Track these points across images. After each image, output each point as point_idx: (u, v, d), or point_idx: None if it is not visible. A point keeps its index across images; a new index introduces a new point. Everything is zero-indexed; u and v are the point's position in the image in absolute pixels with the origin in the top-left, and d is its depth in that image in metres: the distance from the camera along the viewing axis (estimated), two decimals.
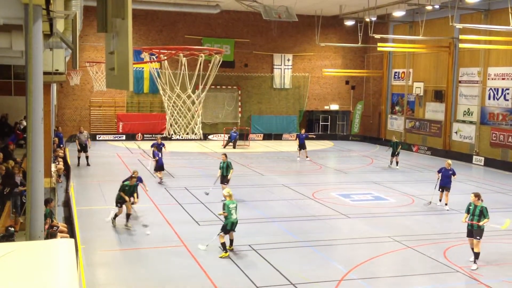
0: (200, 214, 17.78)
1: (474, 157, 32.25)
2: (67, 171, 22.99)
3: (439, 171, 19.86)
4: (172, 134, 13.91)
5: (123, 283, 11.87)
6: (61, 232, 12.43)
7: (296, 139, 32.72)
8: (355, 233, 16.29)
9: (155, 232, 15.65)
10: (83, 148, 26.59)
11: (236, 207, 13.88)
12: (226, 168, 19.69)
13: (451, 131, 35.14)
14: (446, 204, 19.50)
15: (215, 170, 25.52)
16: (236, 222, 13.81)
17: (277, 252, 14.07)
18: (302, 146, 31.41)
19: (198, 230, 16.00)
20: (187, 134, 13.09)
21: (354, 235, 16.03)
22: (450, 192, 19.85)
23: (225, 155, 20.39)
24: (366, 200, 21.06)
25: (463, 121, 34.23)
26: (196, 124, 13.18)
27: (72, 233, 13.60)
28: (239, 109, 42.10)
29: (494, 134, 31.58)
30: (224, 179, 19.69)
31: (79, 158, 26.81)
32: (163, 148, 25.65)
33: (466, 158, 32.65)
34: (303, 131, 33.30)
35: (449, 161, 20.61)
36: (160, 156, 24.15)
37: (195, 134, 13.22)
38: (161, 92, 14.45)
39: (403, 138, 39.22)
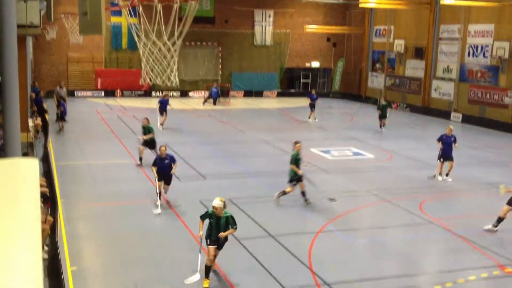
0: (181, 170, 17.82)
1: (452, 114, 32.64)
2: (45, 127, 22.75)
3: (439, 139, 17.65)
4: (148, 82, 13.76)
5: (104, 235, 11.97)
6: (41, 186, 12.39)
7: (307, 99, 30.92)
8: (334, 187, 16.53)
9: (136, 188, 15.71)
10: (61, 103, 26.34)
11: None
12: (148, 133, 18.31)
13: (430, 88, 35.39)
14: (447, 175, 17.32)
15: (197, 127, 25.54)
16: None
17: (257, 206, 14.25)
18: (312, 106, 30.02)
19: (179, 185, 16.07)
20: (163, 82, 12.95)
21: (333, 190, 16.27)
22: (427, 149, 20.04)
23: (147, 119, 18.68)
24: (345, 156, 21.30)
25: (443, 78, 34.45)
26: (172, 72, 13.04)
27: (51, 188, 13.60)
28: (220, 66, 41.73)
29: (472, 91, 31.90)
30: (149, 144, 18.38)
31: (57, 114, 26.49)
32: (168, 105, 26.11)
33: (444, 115, 33.04)
34: (313, 91, 31.90)
35: (451, 126, 18.26)
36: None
37: (171, 82, 13.08)
38: (136, 39, 14.22)
39: (383, 95, 39.39)
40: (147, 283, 9.51)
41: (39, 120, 22.06)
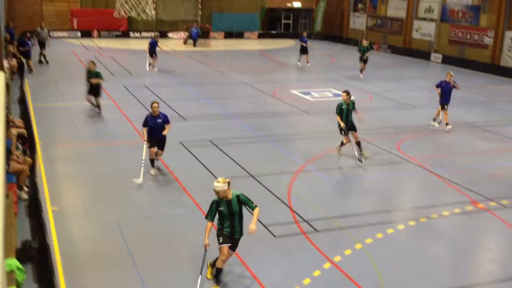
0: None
1: (433, 54, 32.64)
2: (20, 69, 22.26)
3: (438, 86, 16.84)
4: (123, 15, 13.41)
5: (83, 175, 11.98)
6: (18, 127, 12.27)
7: (299, 41, 28.99)
8: (313, 128, 16.64)
9: (115, 129, 15.62)
10: (43, 45, 25.71)
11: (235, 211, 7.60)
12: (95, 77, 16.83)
13: (411, 29, 35.16)
14: (447, 124, 16.58)
15: (177, 68, 25.21)
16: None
17: (237, 147, 14.32)
18: (304, 50, 28.60)
19: None
20: (138, 15, 12.64)
21: (312, 131, 16.38)
22: (407, 89, 20.11)
23: (93, 62, 17.15)
24: (325, 97, 21.31)
25: (424, 19, 34.20)
26: (148, 4, 12.71)
27: (29, 129, 13.46)
28: (199, 6, 40.76)
29: (453, 32, 31.79)
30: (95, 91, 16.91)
31: (40, 55, 25.90)
32: (157, 46, 25.29)
33: (424, 55, 33.03)
34: (305, 33, 29.78)
35: (451, 72, 17.16)
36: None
37: (147, 14, 12.77)
38: None
39: (365, 36, 39.07)
40: (127, 222, 9.62)
41: (14, 62, 21.55)
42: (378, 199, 11.38)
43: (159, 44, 25.49)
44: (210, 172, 12.20)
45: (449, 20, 32.14)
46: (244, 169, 12.50)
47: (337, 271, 8.20)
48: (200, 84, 22.85)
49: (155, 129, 11.66)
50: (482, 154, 14.64)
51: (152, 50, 25.05)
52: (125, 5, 13.42)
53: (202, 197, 10.52)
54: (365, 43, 25.77)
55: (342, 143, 13.61)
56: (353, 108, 13.50)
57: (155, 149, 11.82)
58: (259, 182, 11.71)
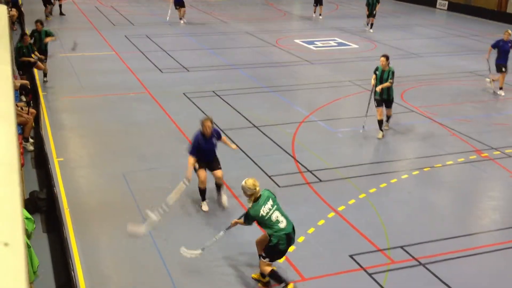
0: (162, 62, 17.60)
1: (438, 1, 31.97)
2: (20, 18, 21.95)
3: (494, 46, 15.09)
4: None
5: (88, 126, 12.01)
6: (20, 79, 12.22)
7: None
8: (317, 78, 16.51)
9: (117, 80, 15.54)
10: None
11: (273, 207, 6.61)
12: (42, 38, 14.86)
13: None
14: (501, 88, 15.11)
15: (177, 17, 24.80)
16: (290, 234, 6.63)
17: (241, 98, 14.27)
18: (318, 1, 26.71)
19: (162, 78, 15.95)
20: None
21: (316, 80, 16.26)
22: (412, 37, 19.76)
23: (41, 22, 15.09)
24: (329, 46, 21.06)
25: None
26: None
27: (31, 80, 13.41)
28: None
29: None
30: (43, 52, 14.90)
31: (45, 5, 25.22)
32: None
33: (430, 2, 32.38)
34: None
35: (509, 30, 15.15)
36: None
37: None
38: None
39: None
40: (133, 173, 9.71)
41: (14, 11, 21.22)
42: (381, 149, 11.42)
43: None
44: (214, 123, 12.17)
45: None
46: (247, 119, 12.50)
47: (341, 220, 8.33)
48: (202, 34, 22.55)
49: (208, 152, 8.46)
50: (488, 102, 14.57)
51: (177, 1, 24.12)
52: None
53: None
54: None
55: (380, 123, 11.69)
56: (390, 77, 11.41)
57: (204, 172, 8.44)
58: (263, 133, 11.73)
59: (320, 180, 9.63)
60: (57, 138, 11.10)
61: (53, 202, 8.10)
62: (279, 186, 9.36)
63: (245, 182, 6.49)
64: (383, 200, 8.98)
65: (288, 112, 13.34)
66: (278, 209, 6.55)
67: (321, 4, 26.88)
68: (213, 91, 14.60)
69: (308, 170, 9.99)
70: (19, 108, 10.43)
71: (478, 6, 29.47)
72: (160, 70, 16.71)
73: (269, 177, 9.63)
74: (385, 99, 11.66)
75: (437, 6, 31.89)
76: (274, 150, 10.89)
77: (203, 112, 12.90)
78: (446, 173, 10.28)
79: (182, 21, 24.32)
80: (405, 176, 9.95)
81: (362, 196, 9.08)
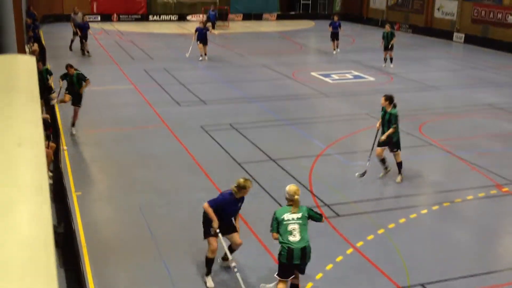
0: (180, 95, 17.78)
1: (455, 34, 32.05)
2: (42, 53, 22.42)
3: None
4: None
5: (106, 159, 12.11)
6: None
7: (329, 27, 26.75)
8: (334, 111, 16.53)
9: (136, 113, 15.70)
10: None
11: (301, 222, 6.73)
12: (77, 82, 13.74)
13: (433, 8, 34.54)
14: None
15: (196, 51, 25.14)
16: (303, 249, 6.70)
17: (258, 130, 14.31)
18: (335, 36, 26.57)
19: (179, 111, 16.09)
20: None
21: (333, 113, 16.28)
22: (429, 70, 19.81)
23: (71, 66, 13.80)
24: (345, 79, 21.13)
25: None
26: None
27: (52, 114, 13.60)
28: None
29: (476, 10, 31.15)
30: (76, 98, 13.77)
31: (72, 41, 25.63)
32: (208, 32, 23.89)
33: (447, 35, 32.45)
34: (336, 17, 27.18)
35: None
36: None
37: None
38: None
39: (385, 16, 38.52)
40: (150, 206, 9.72)
41: (36, 46, 21.71)
42: (400, 183, 11.30)
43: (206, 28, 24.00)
44: (231, 156, 12.23)
45: None
46: (264, 152, 12.50)
47: (360, 256, 8.20)
48: (219, 67, 22.81)
49: (230, 216, 7.58)
50: (507, 136, 14.41)
51: (202, 37, 23.46)
52: None
53: (223, 181, 10.56)
54: (388, 28, 23.10)
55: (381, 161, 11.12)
56: (392, 120, 10.90)
57: (217, 242, 7.38)
58: (280, 166, 11.71)
59: (338, 215, 9.53)
60: (76, 172, 11.19)
61: (71, 237, 8.11)
62: None
63: (289, 187, 6.85)
64: (402, 236, 8.84)
65: (305, 145, 13.32)
66: (301, 226, 6.59)
67: (337, 39, 26.76)
68: (230, 124, 14.67)
69: (326, 204, 9.91)
70: None
71: (495, 38, 29.46)
72: (177, 103, 16.87)
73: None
74: (386, 141, 10.91)
75: (454, 39, 31.95)
76: (291, 183, 10.82)
77: (220, 145, 12.94)
78: (467, 208, 10.12)
79: (202, 58, 23.80)
80: (425, 211, 9.81)
81: (381, 231, 8.95)
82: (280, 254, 6.61)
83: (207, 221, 7.33)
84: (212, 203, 7.33)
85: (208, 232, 7.35)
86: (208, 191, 10.43)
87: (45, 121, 12.24)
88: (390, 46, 22.79)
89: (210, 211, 7.22)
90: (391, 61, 23.06)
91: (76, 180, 10.78)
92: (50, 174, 10.76)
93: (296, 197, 6.69)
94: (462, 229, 9.32)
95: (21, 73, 1.73)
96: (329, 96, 18.26)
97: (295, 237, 6.52)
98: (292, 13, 42.64)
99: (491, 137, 14.25)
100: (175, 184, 10.82)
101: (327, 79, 20.85)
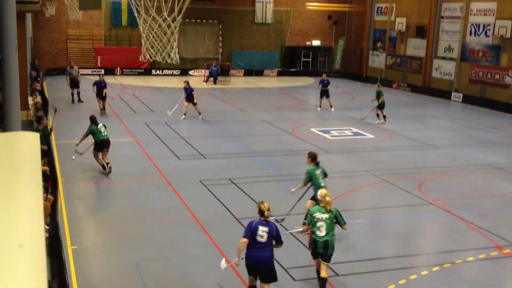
0: (180, 149, 17.86)
1: (453, 93, 32.52)
2: (45, 105, 22.68)
3: None
4: (148, 59, 13.48)
5: (104, 214, 12.03)
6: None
7: (319, 85, 27.00)
8: (333, 167, 16.51)
9: (135, 166, 15.72)
10: (75, 84, 25.78)
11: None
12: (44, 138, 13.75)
13: (431, 68, 35.21)
14: None
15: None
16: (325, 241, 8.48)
17: (257, 186, 14.28)
18: (324, 93, 26.58)
19: (179, 165, 16.12)
20: (163, 59, 12.79)
21: (332, 170, 16.24)
22: (427, 129, 20.02)
23: (41, 119, 14.51)
24: (345, 135, 21.28)
25: (444, 58, 34.25)
26: (172, 48, 12.87)
27: (51, 166, 13.61)
28: (220, 44, 41.45)
29: (473, 71, 31.74)
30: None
31: (72, 94, 26.22)
32: (193, 94, 23.14)
33: (445, 95, 32.93)
34: (324, 76, 27.45)
35: None
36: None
37: (172, 58, 12.91)
38: (136, 15, 13.99)
39: (384, 75, 39.21)
40: (146, 262, 9.57)
41: (39, 98, 22.00)
42: (400, 242, 11.19)
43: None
44: (230, 212, 12.16)
45: (469, 60, 32.14)
46: None
47: None
48: (220, 122, 23.01)
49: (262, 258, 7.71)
50: (506, 196, 14.37)
51: (187, 96, 23.04)
52: (151, 49, 13.63)
53: (221, 237, 10.47)
54: (377, 87, 24.01)
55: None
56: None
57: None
58: (279, 222, 11.60)
59: (337, 274, 9.39)
60: (73, 225, 11.09)
61: None
62: (294, 279, 9.13)
63: (320, 191, 8.73)
64: None
65: (303, 201, 13.24)
66: (327, 224, 8.41)
67: (327, 96, 26.71)
68: (229, 179, 14.66)
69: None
70: None
71: (493, 99, 29.87)
72: (177, 157, 16.92)
73: (285, 270, 9.42)
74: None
75: (452, 98, 32.40)
76: (290, 241, 10.72)
77: (219, 200, 12.89)
78: (468, 270, 9.97)
79: (184, 116, 23.00)
80: (425, 272, 9.66)
81: None
82: (309, 243, 8.74)
83: None
84: (248, 234, 7.88)
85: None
86: (206, 247, 10.33)
87: (44, 174, 12.25)
88: (380, 104, 23.28)
89: (241, 250, 7.99)
90: (385, 118, 23.49)
91: (73, 233, 10.67)
92: (47, 227, 10.66)
93: (327, 198, 8.48)
94: None
95: (23, 154, 1.74)
96: (328, 152, 18.34)
97: (321, 233, 8.35)
98: (293, 69, 43.41)
99: (490, 197, 14.21)
100: (172, 240, 10.70)
101: (326, 135, 21.00)
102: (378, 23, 40.70)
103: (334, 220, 8.49)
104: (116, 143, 18.66)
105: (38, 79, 25.90)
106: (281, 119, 24.03)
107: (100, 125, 14.87)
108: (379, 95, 23.31)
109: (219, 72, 36.97)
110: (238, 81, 38.44)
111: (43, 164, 12.90)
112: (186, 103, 23.06)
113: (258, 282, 8.07)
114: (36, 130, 13.96)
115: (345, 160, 17.40)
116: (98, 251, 10.18)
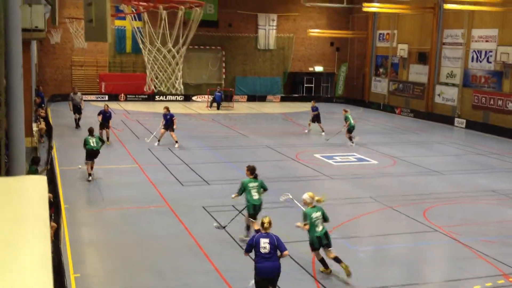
0: (183, 175, 17.83)
1: (456, 119, 32.55)
2: (49, 131, 22.76)
3: None
4: (153, 89, 13.58)
5: (107, 241, 11.95)
6: None
7: (310, 111, 27.91)
8: (337, 194, 16.48)
9: (138, 192, 15.69)
10: (77, 109, 25.99)
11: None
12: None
13: (433, 94, 35.32)
14: None
15: (200, 131, 25.48)
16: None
17: (260, 212, 14.17)
18: (316, 118, 27.38)
19: (182, 191, 16.08)
20: (168, 89, 12.86)
21: (336, 196, 16.21)
22: (431, 155, 19.98)
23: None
24: (349, 161, 21.25)
25: (446, 84, 34.38)
26: (177, 79, 12.95)
27: (55, 193, 13.58)
28: (223, 70, 41.77)
29: (476, 97, 31.82)
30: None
31: (75, 119, 26.39)
32: (174, 119, 22.78)
33: (448, 120, 32.96)
34: (313, 102, 28.21)
35: None
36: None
37: (176, 89, 12.98)
38: (141, 46, 14.12)
39: (386, 100, 39.36)
40: None
41: (43, 125, 22.09)
42: (405, 270, 11.07)
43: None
44: (232, 238, 12.07)
45: (471, 85, 32.26)
46: None
47: None
48: (223, 147, 23.03)
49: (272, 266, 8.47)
50: (511, 223, 14.25)
51: (166, 123, 22.63)
52: (155, 80, 13.73)
53: (223, 264, 10.37)
54: (344, 112, 24.64)
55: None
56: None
57: None
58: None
59: None
60: (75, 253, 11.02)
61: None
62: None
63: (307, 194, 10.46)
64: None
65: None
66: (321, 219, 10.29)
67: (319, 121, 27.21)
68: (232, 205, 14.58)
69: None
70: None
71: (496, 124, 29.87)
72: (181, 183, 16.89)
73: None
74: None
75: (455, 123, 32.42)
76: (294, 268, 10.63)
77: (222, 227, 12.79)
78: None
79: (157, 143, 22.43)
80: None
81: None
82: (311, 241, 10.29)
83: None
84: (250, 247, 8.89)
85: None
86: (208, 274, 10.23)
87: (48, 201, 12.22)
88: (349, 128, 24.08)
89: None
90: (351, 140, 24.21)
91: (75, 261, 10.60)
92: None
93: (316, 198, 10.38)
94: None
95: (29, 201, 1.73)
96: (332, 178, 18.28)
97: (319, 228, 10.18)
98: (296, 95, 43.61)
99: (495, 224, 14.10)
100: (175, 267, 10.61)
101: (330, 161, 20.96)
102: (380, 49, 41.01)
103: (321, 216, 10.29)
104: (119, 169, 18.69)
105: (43, 105, 26.05)
106: (284, 144, 24.04)
107: (94, 137, 16.78)
108: (346, 119, 24.15)
109: (223, 97, 37.17)
110: (241, 107, 38.60)
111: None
112: (162, 130, 22.46)
113: None
114: (34, 173, 13.78)
115: (349, 186, 17.33)
116: (100, 279, 10.08)
